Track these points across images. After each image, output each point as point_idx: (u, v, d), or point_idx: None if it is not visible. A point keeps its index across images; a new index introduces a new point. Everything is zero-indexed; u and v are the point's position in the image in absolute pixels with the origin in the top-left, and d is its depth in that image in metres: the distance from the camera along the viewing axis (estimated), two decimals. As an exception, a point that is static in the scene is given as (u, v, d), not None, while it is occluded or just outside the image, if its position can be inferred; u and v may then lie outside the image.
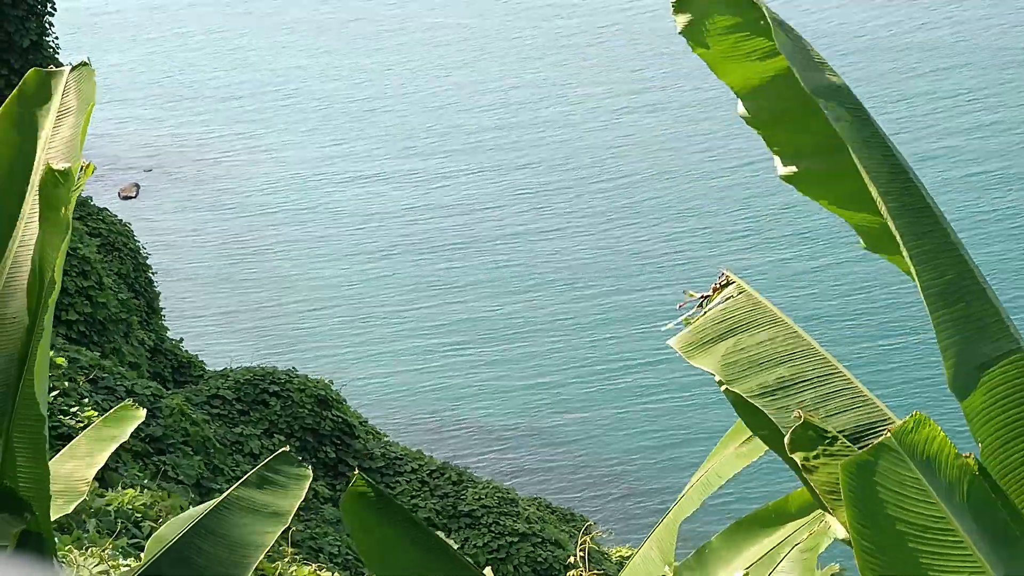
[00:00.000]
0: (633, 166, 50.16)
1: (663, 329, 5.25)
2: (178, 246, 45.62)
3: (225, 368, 24.86)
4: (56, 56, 27.27)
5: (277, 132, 55.87)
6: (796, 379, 4.78)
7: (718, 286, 5.13)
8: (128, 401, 6.38)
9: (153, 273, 27.01)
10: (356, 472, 5.20)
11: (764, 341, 4.91)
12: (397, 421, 34.83)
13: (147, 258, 26.99)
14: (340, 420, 23.65)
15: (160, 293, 26.89)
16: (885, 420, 4.73)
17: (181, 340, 26.51)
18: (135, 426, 6.20)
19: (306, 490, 6.03)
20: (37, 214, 5.59)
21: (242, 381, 23.39)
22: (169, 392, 21.84)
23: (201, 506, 6.09)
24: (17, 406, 5.53)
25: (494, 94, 57.66)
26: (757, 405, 4.76)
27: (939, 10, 61.46)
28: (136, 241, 26.48)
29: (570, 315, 40.83)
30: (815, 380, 4.78)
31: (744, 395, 4.77)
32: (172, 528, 5.93)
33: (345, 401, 24.71)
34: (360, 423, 24.41)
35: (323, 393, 23.80)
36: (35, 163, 5.70)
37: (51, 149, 5.68)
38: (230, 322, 41.22)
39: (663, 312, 38.96)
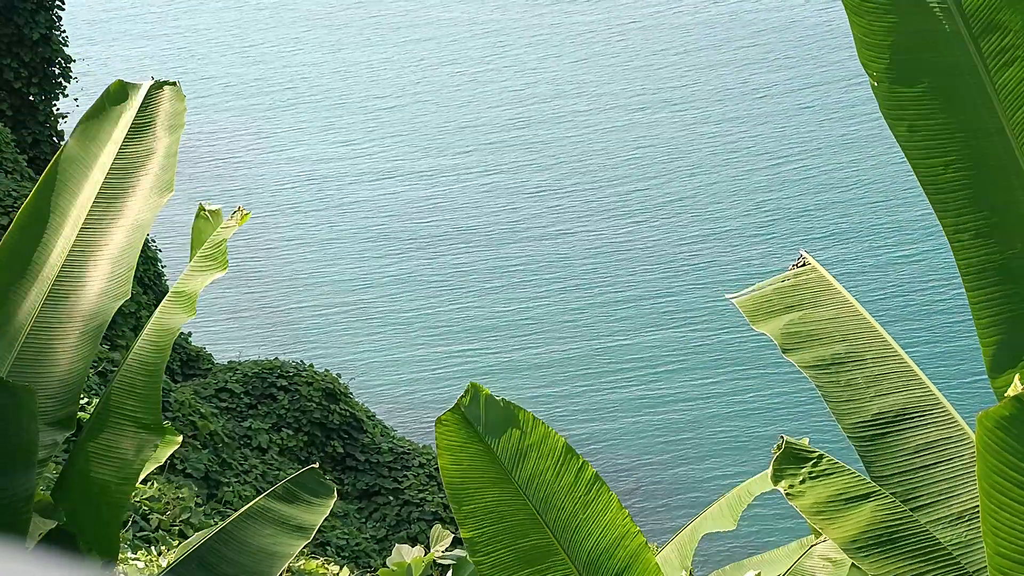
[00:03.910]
0: (654, 166, 50.04)
1: (727, 298, 5.32)
2: (187, 241, 45.63)
3: (232, 361, 24.89)
4: (64, 49, 27.59)
5: (289, 128, 55.88)
6: (852, 357, 4.83)
7: (796, 265, 5.23)
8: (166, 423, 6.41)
9: (163, 267, 27.07)
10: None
11: (827, 318, 4.96)
12: (405, 416, 34.84)
13: (157, 252, 27.05)
14: (348, 414, 23.65)
15: (170, 288, 26.89)
16: (934, 403, 4.72)
17: (190, 334, 26.56)
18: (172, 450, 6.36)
19: (331, 508, 6.15)
20: (90, 219, 5.93)
21: (250, 374, 23.40)
22: (178, 385, 21.89)
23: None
24: (97, 421, 5.56)
25: (511, 91, 57.61)
26: (808, 376, 4.78)
27: None
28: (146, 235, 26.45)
29: (585, 318, 40.73)
30: (870, 360, 4.81)
31: (799, 366, 4.80)
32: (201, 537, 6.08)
33: (352, 395, 24.71)
34: (368, 417, 24.42)
35: (331, 387, 23.80)
36: (93, 169, 5.97)
37: (130, 160, 5.92)
38: (238, 317, 41.27)
39: (681, 317, 38.91)
